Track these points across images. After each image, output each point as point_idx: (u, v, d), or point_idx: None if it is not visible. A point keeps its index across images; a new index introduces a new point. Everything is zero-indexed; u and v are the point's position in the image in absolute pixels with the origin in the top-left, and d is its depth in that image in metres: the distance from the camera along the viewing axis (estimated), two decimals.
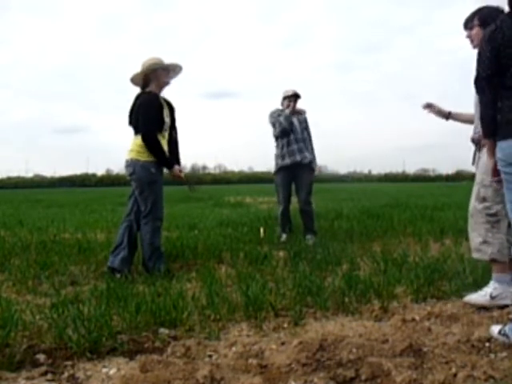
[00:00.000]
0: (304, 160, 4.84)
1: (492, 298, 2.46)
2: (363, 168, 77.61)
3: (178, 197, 15.50)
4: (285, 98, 4.93)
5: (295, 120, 4.94)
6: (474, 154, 2.72)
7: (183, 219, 7.15)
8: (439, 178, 50.52)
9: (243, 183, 47.25)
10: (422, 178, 53.92)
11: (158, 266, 3.41)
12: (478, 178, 2.59)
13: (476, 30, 2.62)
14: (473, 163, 2.73)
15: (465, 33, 2.70)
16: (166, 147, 3.56)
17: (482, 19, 2.57)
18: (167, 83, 3.60)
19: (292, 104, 4.88)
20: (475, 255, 2.58)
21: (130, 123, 3.56)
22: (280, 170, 4.93)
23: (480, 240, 2.53)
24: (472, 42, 2.67)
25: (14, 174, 56.91)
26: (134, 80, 3.58)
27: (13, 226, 6.48)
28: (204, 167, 74.55)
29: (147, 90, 3.53)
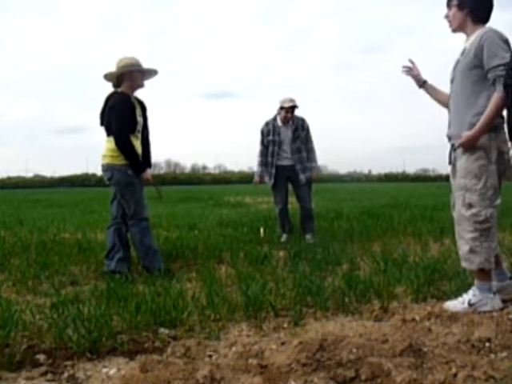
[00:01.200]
0: (285, 166, 4.89)
1: (470, 305, 2.39)
2: (363, 168, 77.68)
3: (178, 197, 15.49)
4: (282, 108, 4.87)
5: (286, 130, 4.91)
6: (450, 153, 2.62)
7: (183, 219, 7.16)
8: (439, 178, 50.44)
9: (243, 183, 47.20)
10: (422, 178, 53.87)
11: (158, 265, 3.41)
12: (459, 183, 2.46)
13: (453, 11, 2.52)
14: (449, 162, 2.63)
15: (445, 11, 2.57)
16: (139, 148, 3.55)
17: (460, 0, 2.48)
18: (141, 86, 3.57)
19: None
20: (463, 264, 2.48)
21: (102, 124, 3.52)
22: (273, 174, 4.94)
23: (467, 249, 2.42)
24: (450, 23, 2.56)
25: (13, 173, 56.93)
26: (107, 77, 3.52)
27: (13, 226, 6.49)
28: (204, 167, 74.70)
29: (119, 90, 3.50)
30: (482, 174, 2.37)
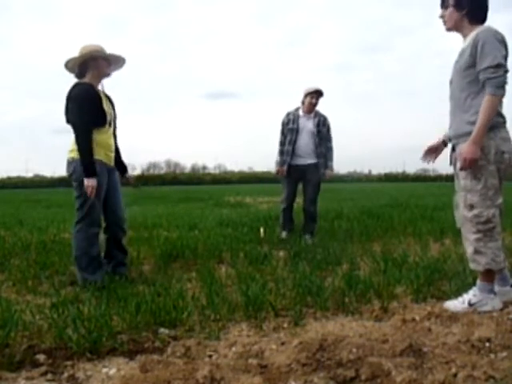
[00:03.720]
0: (299, 166, 4.88)
1: (470, 305, 2.39)
2: (363, 168, 77.79)
3: (178, 197, 15.49)
4: (306, 95, 4.89)
5: (306, 121, 4.93)
6: (451, 154, 2.61)
7: (183, 219, 7.15)
8: (439, 178, 50.40)
9: (243, 183, 47.20)
10: (422, 178, 53.80)
11: (95, 278, 3.06)
12: (460, 185, 2.46)
13: (449, 11, 2.50)
14: (450, 163, 2.63)
15: (440, 11, 2.56)
16: (110, 141, 3.25)
17: (457, 0, 2.46)
18: (108, 75, 3.25)
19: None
20: (471, 266, 2.47)
21: (68, 121, 3.13)
22: (287, 161, 4.92)
23: (472, 250, 2.41)
24: (445, 23, 2.55)
25: (13, 173, 56.79)
26: (68, 65, 3.16)
27: (13, 226, 6.48)
28: (204, 167, 74.69)
29: (82, 80, 3.16)
30: (481, 174, 2.36)
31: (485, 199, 2.36)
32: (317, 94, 4.88)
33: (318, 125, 4.92)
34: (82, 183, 3.07)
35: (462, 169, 2.39)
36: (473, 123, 2.36)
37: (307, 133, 4.90)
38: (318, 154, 4.91)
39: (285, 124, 4.98)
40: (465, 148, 2.34)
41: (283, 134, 4.98)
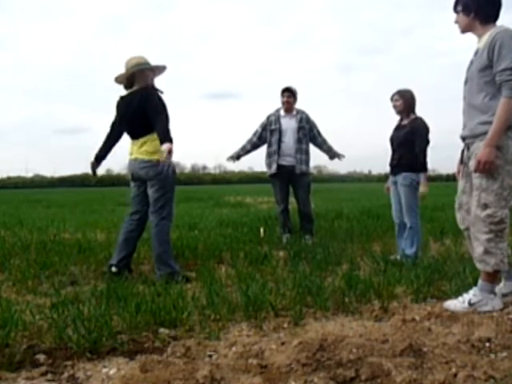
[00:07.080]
0: (286, 166, 4.88)
1: (470, 305, 2.38)
2: (363, 168, 77.91)
3: (178, 197, 15.46)
4: (281, 94, 4.97)
5: (289, 121, 4.94)
6: (462, 153, 2.61)
7: (183, 219, 7.15)
8: (439, 178, 50.38)
9: (243, 183, 47.24)
10: None
11: (178, 268, 3.35)
12: (475, 183, 2.43)
13: (459, 16, 2.53)
14: (461, 162, 2.62)
15: (454, 17, 2.58)
16: None
17: (464, 4, 2.48)
18: (152, 84, 3.47)
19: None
20: (479, 266, 2.44)
21: (128, 122, 3.39)
22: (276, 160, 4.93)
23: (482, 250, 2.37)
24: (459, 27, 2.57)
25: (14, 173, 56.87)
26: (118, 80, 3.47)
27: (13, 226, 6.48)
28: (204, 167, 74.78)
29: (136, 87, 3.38)
30: (498, 173, 2.33)
31: (500, 199, 2.34)
32: (288, 92, 4.93)
33: (300, 121, 4.94)
34: (169, 183, 3.33)
35: (476, 171, 2.37)
36: (491, 123, 2.35)
37: (292, 132, 4.90)
38: (301, 150, 4.90)
39: (266, 126, 5.00)
40: (480, 151, 2.33)
41: (255, 134, 5.03)
